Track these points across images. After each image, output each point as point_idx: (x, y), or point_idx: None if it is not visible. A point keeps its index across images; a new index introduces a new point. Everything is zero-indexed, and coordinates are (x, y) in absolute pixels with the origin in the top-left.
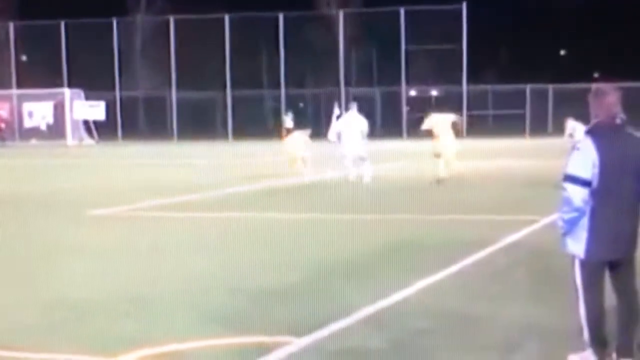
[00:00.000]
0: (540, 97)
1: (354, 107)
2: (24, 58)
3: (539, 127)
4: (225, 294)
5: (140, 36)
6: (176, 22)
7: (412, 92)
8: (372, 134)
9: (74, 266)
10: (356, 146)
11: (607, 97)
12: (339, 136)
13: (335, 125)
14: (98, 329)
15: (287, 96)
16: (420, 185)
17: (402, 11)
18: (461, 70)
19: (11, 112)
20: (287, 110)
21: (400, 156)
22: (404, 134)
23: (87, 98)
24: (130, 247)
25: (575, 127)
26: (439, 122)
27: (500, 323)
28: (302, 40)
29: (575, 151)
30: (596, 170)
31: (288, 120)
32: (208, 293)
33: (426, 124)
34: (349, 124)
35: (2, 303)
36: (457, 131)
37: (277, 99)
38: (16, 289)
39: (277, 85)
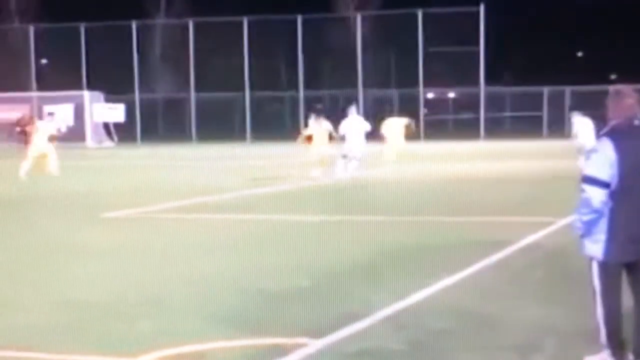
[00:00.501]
0: (557, 99)
1: (353, 109)
2: (44, 61)
3: (556, 129)
4: (242, 295)
5: (159, 39)
6: (195, 25)
7: (430, 94)
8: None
9: (90, 267)
10: (358, 146)
11: (626, 98)
12: (343, 138)
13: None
14: (116, 329)
15: (306, 98)
16: (436, 187)
17: (419, 13)
18: (478, 72)
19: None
20: (310, 114)
21: (416, 158)
22: (422, 136)
23: (107, 100)
24: (145, 249)
25: (578, 128)
26: (393, 125)
27: (518, 324)
28: (320, 42)
29: (594, 152)
30: (615, 172)
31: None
32: (224, 294)
33: (384, 129)
34: (351, 125)
35: (19, 304)
36: (409, 133)
37: (296, 101)
38: (33, 290)
39: (296, 87)
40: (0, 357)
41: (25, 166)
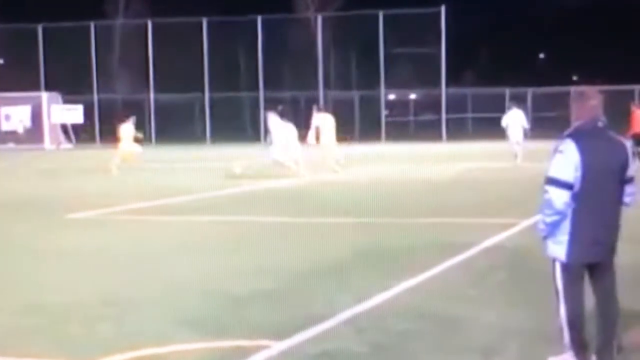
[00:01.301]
0: (519, 100)
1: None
2: (0, 61)
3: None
4: (204, 297)
5: (118, 39)
6: (154, 26)
7: (391, 96)
8: (351, 137)
9: (51, 269)
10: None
11: (590, 100)
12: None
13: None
14: (75, 333)
15: (266, 99)
16: (398, 189)
17: (380, 15)
18: (440, 74)
19: None
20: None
21: (379, 159)
22: (383, 138)
23: (65, 102)
24: (107, 251)
25: (508, 122)
26: (324, 120)
27: (481, 325)
28: (280, 43)
29: (558, 154)
30: (579, 174)
31: None
32: (187, 296)
33: (314, 122)
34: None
35: None
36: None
37: (256, 102)
38: None
39: (256, 89)
40: None
41: (115, 162)
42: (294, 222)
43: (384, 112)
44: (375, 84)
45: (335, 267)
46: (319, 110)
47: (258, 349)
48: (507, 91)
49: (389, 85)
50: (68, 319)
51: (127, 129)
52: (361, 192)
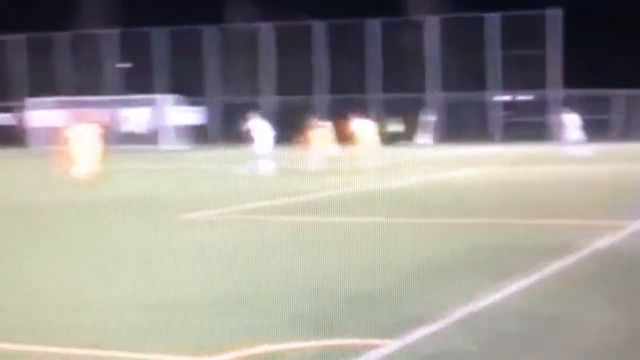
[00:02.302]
0: (635, 102)
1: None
2: (126, 65)
3: (633, 133)
4: (317, 296)
5: (236, 43)
6: (272, 29)
7: (502, 97)
8: (460, 138)
9: (172, 268)
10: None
11: None
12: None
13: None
14: (191, 329)
15: (378, 101)
16: (508, 189)
17: (493, 16)
18: (552, 75)
19: (110, 118)
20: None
21: (489, 160)
22: (494, 139)
23: (186, 104)
24: (225, 250)
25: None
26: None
27: (590, 328)
28: (391, 46)
29: None
30: None
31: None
32: (300, 295)
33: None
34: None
35: (104, 304)
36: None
37: (368, 103)
38: (117, 291)
39: (370, 90)
40: (87, 355)
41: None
42: (404, 222)
43: (498, 114)
44: (485, 86)
45: (445, 267)
46: (253, 116)
47: (370, 347)
48: (622, 92)
49: (500, 86)
50: (185, 316)
51: (321, 133)
52: (469, 193)
